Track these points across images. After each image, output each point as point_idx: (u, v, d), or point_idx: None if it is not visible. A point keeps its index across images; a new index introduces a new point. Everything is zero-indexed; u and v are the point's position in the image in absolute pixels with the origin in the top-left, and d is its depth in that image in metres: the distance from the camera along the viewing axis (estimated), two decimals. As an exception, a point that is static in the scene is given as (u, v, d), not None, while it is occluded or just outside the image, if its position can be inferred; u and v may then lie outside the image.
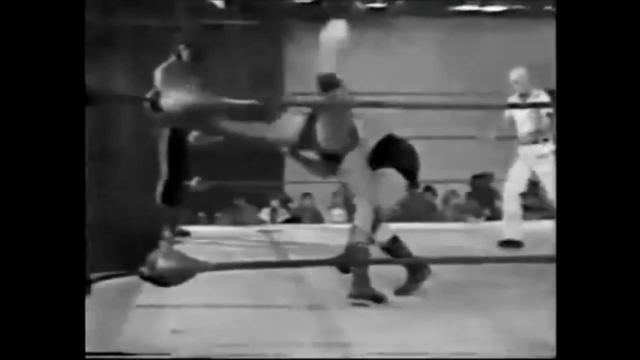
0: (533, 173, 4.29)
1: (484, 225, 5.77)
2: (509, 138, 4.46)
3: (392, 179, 2.80)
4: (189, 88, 3.76)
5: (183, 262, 2.22)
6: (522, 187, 4.32)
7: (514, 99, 4.30)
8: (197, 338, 2.22)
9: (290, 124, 2.83)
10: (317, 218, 6.57)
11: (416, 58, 7.23)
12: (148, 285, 2.37)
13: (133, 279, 2.49)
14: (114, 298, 2.69)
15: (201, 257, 2.30)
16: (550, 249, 1.75)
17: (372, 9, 7.30)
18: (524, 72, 4.28)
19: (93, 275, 2.19)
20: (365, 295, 2.61)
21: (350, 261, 2.67)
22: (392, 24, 7.30)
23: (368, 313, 2.54)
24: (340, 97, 2.68)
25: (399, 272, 2.86)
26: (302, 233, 4.87)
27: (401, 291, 2.79)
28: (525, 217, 4.46)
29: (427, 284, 2.83)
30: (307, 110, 2.89)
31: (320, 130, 2.75)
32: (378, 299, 2.62)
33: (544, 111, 4.22)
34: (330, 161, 2.82)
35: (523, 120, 4.30)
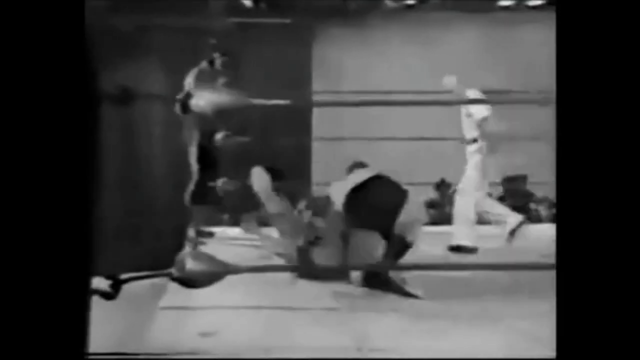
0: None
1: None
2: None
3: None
4: (219, 88, 3.82)
5: (212, 264, 2.26)
6: (473, 191, 4.37)
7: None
8: (226, 340, 2.24)
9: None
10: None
11: (453, 54, 7.18)
12: (173, 286, 2.40)
13: (159, 280, 2.53)
14: (142, 299, 2.73)
15: (225, 258, 2.33)
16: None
17: (407, 5, 7.27)
18: (453, 79, 4.41)
19: (122, 276, 2.23)
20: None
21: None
22: (428, 20, 7.26)
23: (400, 317, 2.55)
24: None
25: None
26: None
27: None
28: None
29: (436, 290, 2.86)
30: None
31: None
32: None
33: (479, 113, 4.28)
34: None
35: (464, 125, 4.45)
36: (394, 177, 3.19)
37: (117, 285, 2.13)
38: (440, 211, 6.44)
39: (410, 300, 2.82)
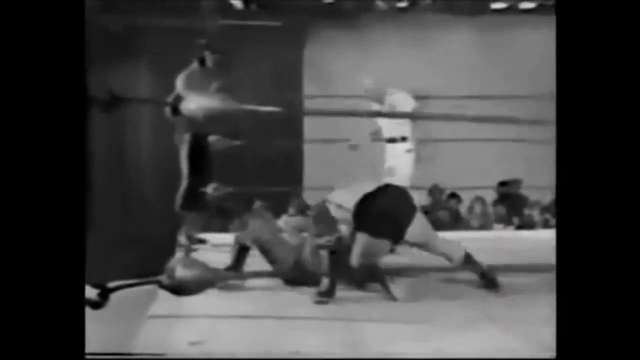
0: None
1: (513, 234, 5.73)
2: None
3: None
4: (210, 93, 3.81)
5: (203, 271, 2.26)
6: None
7: (374, 107, 4.29)
8: (216, 350, 2.24)
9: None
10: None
11: (445, 57, 7.21)
12: (163, 294, 2.40)
13: (149, 287, 2.52)
14: (130, 307, 2.72)
15: (218, 266, 2.32)
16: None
17: (399, 8, 7.29)
18: (370, 81, 4.30)
19: (111, 284, 2.23)
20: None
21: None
22: (420, 22, 7.28)
23: (390, 324, 2.56)
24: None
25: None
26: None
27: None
28: None
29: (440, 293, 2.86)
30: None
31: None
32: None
33: (405, 107, 4.18)
34: None
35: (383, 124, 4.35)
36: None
37: (104, 293, 2.12)
38: (433, 216, 6.45)
39: (399, 305, 2.84)
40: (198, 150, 4.26)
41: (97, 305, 2.17)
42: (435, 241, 3.04)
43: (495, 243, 4.62)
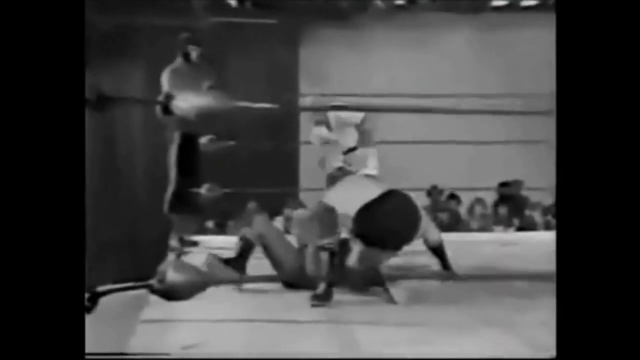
0: None
1: (513, 235, 5.71)
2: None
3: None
4: (202, 91, 3.79)
5: (194, 275, 2.23)
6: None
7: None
8: (210, 354, 2.22)
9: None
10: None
11: (444, 56, 7.20)
12: (155, 299, 2.38)
13: (141, 292, 2.50)
14: (120, 312, 2.70)
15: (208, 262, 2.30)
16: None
17: (396, 6, 7.28)
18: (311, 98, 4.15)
19: (100, 289, 2.20)
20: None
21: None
22: (418, 21, 7.28)
23: (387, 328, 2.55)
24: None
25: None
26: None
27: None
28: None
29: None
30: None
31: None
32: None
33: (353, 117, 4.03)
34: None
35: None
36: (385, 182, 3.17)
37: (94, 298, 2.10)
38: (432, 219, 6.43)
39: (396, 309, 2.82)
40: (187, 150, 4.22)
41: (86, 310, 2.14)
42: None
43: (495, 245, 4.61)
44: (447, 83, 6.39)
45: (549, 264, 1.71)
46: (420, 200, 6.51)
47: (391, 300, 2.86)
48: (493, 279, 3.01)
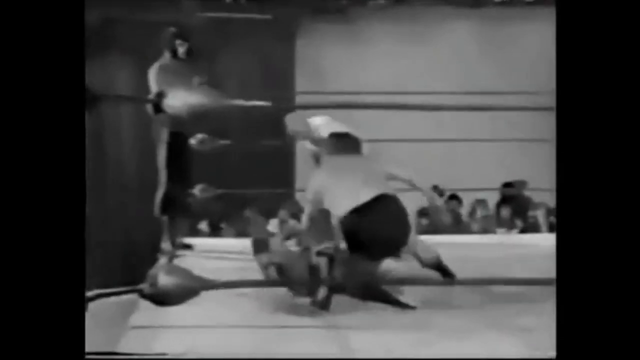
0: None
1: (516, 238, 5.71)
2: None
3: None
4: (195, 88, 3.76)
5: (186, 279, 2.21)
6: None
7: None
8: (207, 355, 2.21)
9: None
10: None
11: (444, 52, 7.20)
12: (145, 304, 2.36)
13: (131, 296, 2.48)
14: (109, 318, 2.68)
15: (204, 273, 2.29)
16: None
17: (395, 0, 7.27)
18: (291, 123, 4.14)
19: (89, 293, 2.18)
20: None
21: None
22: (418, 15, 7.27)
23: (385, 333, 2.54)
24: None
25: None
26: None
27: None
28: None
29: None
30: None
31: None
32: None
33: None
34: None
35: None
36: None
37: (82, 303, 2.08)
38: (433, 220, 6.42)
39: (398, 312, 2.81)
40: (176, 149, 4.19)
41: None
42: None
43: (498, 248, 4.61)
44: (447, 79, 6.39)
45: (551, 270, 1.72)
46: (421, 201, 6.56)
47: (407, 307, 2.82)
48: (491, 283, 2.99)
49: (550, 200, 6.27)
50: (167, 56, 4.23)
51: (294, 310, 2.86)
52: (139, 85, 5.01)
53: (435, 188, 6.65)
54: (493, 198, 6.70)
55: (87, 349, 1.84)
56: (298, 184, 6.81)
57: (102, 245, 5.74)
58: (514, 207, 6.50)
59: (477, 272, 3.58)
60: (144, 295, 2.22)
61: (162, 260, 3.98)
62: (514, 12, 7.27)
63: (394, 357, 2.24)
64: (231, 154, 5.84)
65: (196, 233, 5.78)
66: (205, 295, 2.21)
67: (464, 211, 6.77)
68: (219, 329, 2.62)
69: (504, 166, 6.58)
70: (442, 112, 5.66)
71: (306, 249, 3.09)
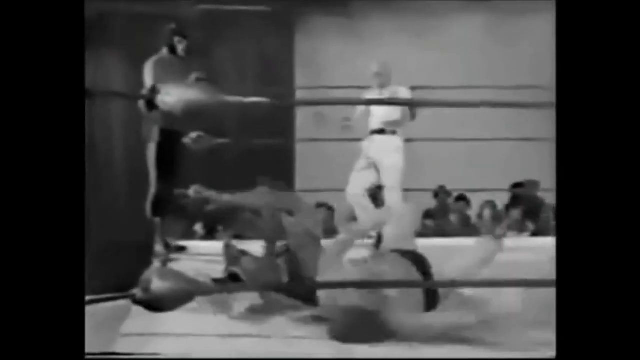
0: (377, 170, 4.57)
1: (527, 241, 5.71)
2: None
3: None
4: (190, 84, 3.77)
5: (181, 283, 2.23)
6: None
7: (373, 92, 4.59)
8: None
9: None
10: (333, 234, 6.56)
11: (449, 46, 7.20)
12: (138, 310, 2.37)
13: (122, 302, 2.50)
14: (100, 325, 2.69)
15: (199, 277, 2.30)
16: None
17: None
18: (387, 64, 4.60)
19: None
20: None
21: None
22: (422, 8, 7.28)
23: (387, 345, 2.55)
24: None
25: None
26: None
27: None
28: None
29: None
30: None
31: None
32: None
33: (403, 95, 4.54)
34: None
35: (377, 112, 4.57)
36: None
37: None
38: (439, 222, 6.44)
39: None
40: (168, 148, 4.20)
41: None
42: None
43: (507, 252, 4.60)
44: (452, 74, 6.40)
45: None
46: (427, 201, 6.57)
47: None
48: (491, 285, 3.00)
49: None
50: (164, 52, 4.25)
51: (291, 317, 2.87)
52: (132, 80, 5.02)
53: (442, 189, 6.67)
54: (504, 200, 6.70)
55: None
56: (298, 184, 6.82)
57: (92, 249, 5.75)
58: (524, 208, 6.50)
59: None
60: (136, 301, 2.24)
61: (155, 263, 3.99)
62: (520, 5, 7.28)
63: (394, 357, 2.24)
64: (228, 153, 5.85)
65: (192, 235, 5.79)
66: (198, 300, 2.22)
67: (473, 213, 6.78)
68: (212, 338, 2.63)
69: (514, 166, 6.58)
70: (446, 111, 5.66)
71: (270, 254, 3.12)
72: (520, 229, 6.43)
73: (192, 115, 2.41)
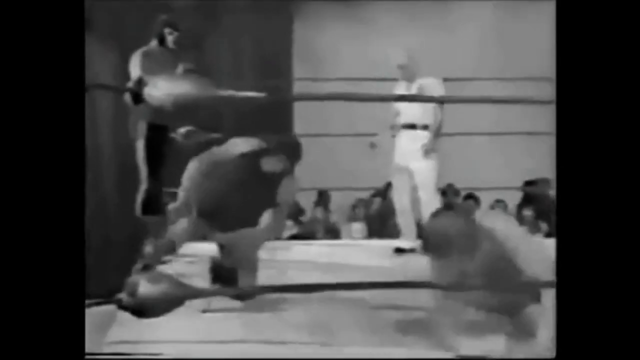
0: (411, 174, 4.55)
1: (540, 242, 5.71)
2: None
3: None
4: (178, 75, 3.76)
5: (170, 286, 2.22)
6: (406, 196, 4.59)
7: (400, 87, 4.50)
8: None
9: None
10: (332, 233, 6.57)
11: (455, 38, 7.20)
12: (124, 316, 2.37)
13: (108, 308, 2.50)
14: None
15: (191, 280, 2.31)
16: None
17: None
18: (413, 54, 4.51)
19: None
20: None
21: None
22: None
23: (385, 350, 2.56)
24: None
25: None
26: (315, 250, 4.88)
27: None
28: None
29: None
30: None
31: None
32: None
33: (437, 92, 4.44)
34: None
35: (405, 111, 4.52)
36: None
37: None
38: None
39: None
40: (157, 144, 4.20)
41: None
42: None
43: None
44: (461, 66, 6.39)
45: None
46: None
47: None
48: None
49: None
50: (154, 43, 4.25)
51: (287, 322, 2.87)
52: (121, 74, 5.02)
53: (449, 187, 6.67)
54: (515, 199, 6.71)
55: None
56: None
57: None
58: (537, 208, 6.50)
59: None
60: (122, 306, 2.24)
61: (138, 265, 3.98)
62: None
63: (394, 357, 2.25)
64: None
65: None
66: (189, 304, 2.23)
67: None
68: (204, 344, 2.64)
69: (527, 162, 6.58)
70: (451, 106, 5.66)
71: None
72: (533, 229, 6.44)
73: (182, 109, 2.40)
